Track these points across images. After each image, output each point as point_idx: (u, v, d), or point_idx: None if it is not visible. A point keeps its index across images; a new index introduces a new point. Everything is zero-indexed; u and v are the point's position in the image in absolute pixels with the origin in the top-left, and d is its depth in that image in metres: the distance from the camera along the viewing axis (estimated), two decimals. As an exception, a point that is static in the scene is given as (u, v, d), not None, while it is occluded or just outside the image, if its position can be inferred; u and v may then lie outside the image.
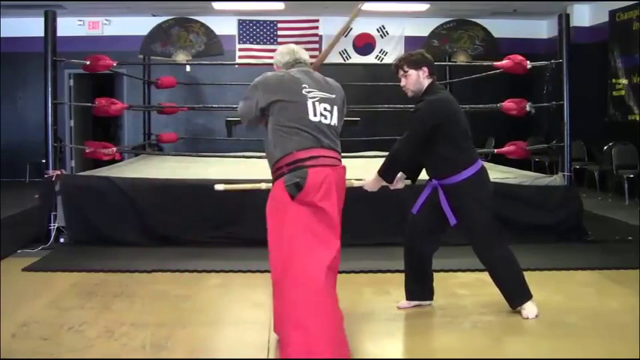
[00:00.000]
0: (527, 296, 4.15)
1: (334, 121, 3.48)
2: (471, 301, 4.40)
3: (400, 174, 4.25)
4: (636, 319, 4.02)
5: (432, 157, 4.08)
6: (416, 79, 4.10)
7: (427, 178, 4.27)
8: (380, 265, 5.43)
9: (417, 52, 4.21)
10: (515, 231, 5.86)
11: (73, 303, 4.41)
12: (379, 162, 7.93)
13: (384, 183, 4.19)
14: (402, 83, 4.16)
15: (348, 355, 3.31)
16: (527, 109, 6.84)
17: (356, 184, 4.28)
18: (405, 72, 4.11)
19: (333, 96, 3.52)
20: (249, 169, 6.41)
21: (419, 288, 4.35)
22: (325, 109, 3.44)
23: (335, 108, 3.50)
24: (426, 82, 4.11)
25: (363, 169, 7.11)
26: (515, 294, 4.16)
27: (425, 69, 4.09)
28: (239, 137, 10.31)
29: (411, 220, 4.28)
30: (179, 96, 11.09)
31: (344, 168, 3.51)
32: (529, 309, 4.12)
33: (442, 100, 4.07)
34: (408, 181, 4.36)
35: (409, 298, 4.37)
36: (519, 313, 4.14)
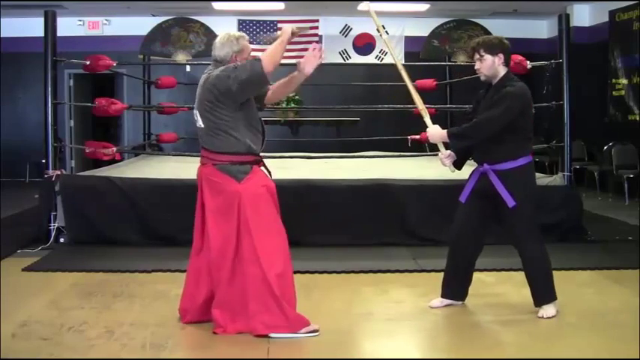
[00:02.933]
0: (552, 297, 4.14)
1: (199, 123, 3.84)
2: (470, 301, 4.39)
3: (453, 153, 4.21)
4: (636, 319, 4.02)
5: (497, 140, 4.06)
6: (491, 65, 4.12)
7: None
8: (380, 265, 5.43)
9: (495, 38, 4.23)
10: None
11: (73, 303, 4.41)
12: (379, 162, 7.92)
13: (445, 142, 4.14)
14: (477, 66, 4.19)
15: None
16: (527, 109, 6.83)
17: (426, 117, 4.23)
18: (481, 56, 4.13)
19: (197, 100, 3.83)
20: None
21: (457, 288, 4.33)
22: (195, 115, 3.86)
23: (197, 112, 3.83)
24: (500, 70, 4.13)
25: (362, 170, 7.14)
26: (542, 293, 4.14)
27: (501, 55, 4.12)
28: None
29: (460, 216, 4.25)
30: (179, 96, 11.07)
31: (209, 166, 3.82)
32: (547, 309, 4.11)
33: (526, 89, 4.14)
34: (452, 156, 4.23)
35: (445, 296, 4.35)
36: (536, 312, 4.13)
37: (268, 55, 3.69)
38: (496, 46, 4.12)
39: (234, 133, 3.76)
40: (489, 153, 4.13)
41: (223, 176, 3.78)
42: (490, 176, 4.08)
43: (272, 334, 3.71)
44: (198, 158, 3.96)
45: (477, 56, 4.15)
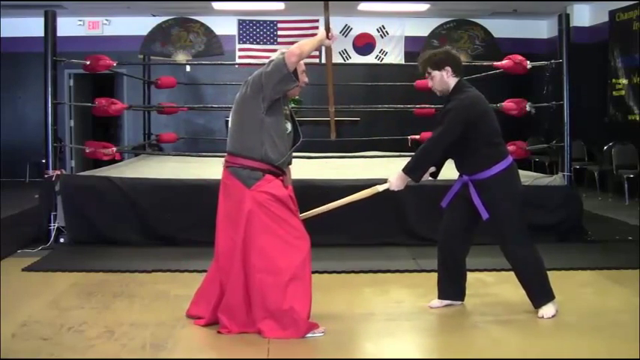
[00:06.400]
0: (549, 297, 4.14)
1: (230, 123, 3.89)
2: (470, 301, 4.40)
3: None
4: (636, 319, 4.02)
5: (463, 153, 4.11)
6: (440, 80, 4.14)
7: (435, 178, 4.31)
8: (380, 265, 5.43)
9: (439, 52, 4.25)
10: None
11: (73, 303, 4.41)
12: (379, 162, 7.91)
13: (410, 181, 4.17)
14: (429, 84, 4.22)
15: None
16: (527, 109, 6.84)
17: (381, 188, 4.23)
18: (429, 73, 4.17)
19: (237, 96, 3.83)
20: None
21: (452, 287, 4.34)
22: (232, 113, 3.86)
23: (234, 108, 3.84)
24: (451, 81, 4.14)
25: (362, 170, 7.14)
26: (538, 293, 4.15)
27: (448, 68, 4.13)
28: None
29: (445, 218, 4.29)
30: (179, 96, 11.08)
31: (224, 168, 3.82)
32: (546, 309, 4.10)
33: (473, 98, 4.11)
34: (432, 169, 4.31)
35: (442, 297, 4.36)
36: (536, 312, 4.13)
37: (293, 47, 3.69)
38: (441, 61, 4.14)
39: (253, 137, 3.73)
40: (465, 165, 4.18)
41: (233, 180, 3.75)
42: (469, 187, 4.12)
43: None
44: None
45: (426, 74, 4.20)
